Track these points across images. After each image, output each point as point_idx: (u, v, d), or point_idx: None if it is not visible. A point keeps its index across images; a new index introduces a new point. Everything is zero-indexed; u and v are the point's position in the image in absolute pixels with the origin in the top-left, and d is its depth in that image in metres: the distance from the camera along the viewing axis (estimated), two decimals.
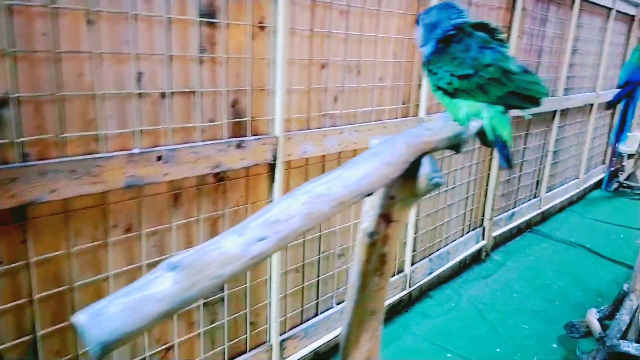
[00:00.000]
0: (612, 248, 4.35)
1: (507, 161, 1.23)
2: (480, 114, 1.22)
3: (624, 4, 5.33)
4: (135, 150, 1.59)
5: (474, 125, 1.23)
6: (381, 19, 2.43)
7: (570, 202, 5.56)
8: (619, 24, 5.48)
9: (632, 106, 2.22)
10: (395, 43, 2.54)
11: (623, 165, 6.72)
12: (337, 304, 2.58)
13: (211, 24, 1.74)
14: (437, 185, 1.16)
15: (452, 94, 1.23)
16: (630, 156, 6.44)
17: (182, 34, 1.67)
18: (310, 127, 2.20)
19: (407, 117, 2.73)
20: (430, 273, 3.26)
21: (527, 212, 4.53)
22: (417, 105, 2.77)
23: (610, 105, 2.35)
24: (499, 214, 4.11)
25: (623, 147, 6.40)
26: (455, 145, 1.24)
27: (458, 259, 3.57)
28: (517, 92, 1.19)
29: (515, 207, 4.36)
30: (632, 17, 5.73)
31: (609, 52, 5.35)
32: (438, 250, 3.37)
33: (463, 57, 1.19)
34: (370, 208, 1.26)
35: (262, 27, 1.90)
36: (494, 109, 1.22)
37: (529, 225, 4.72)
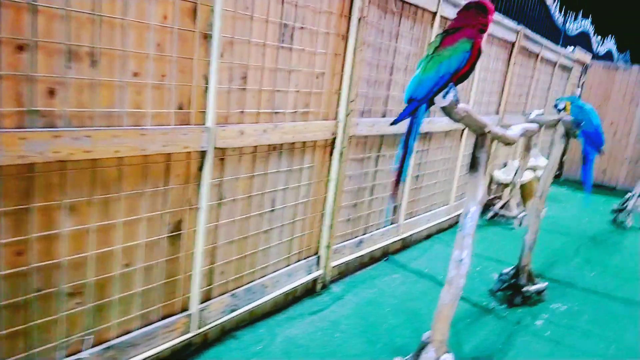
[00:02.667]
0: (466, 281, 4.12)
1: None
2: None
3: (502, 29, 5.25)
4: None
5: None
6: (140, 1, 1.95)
7: (440, 230, 5.36)
8: (494, 47, 5.40)
9: (414, 126, 1.90)
10: (161, 33, 2.06)
11: (501, 195, 6.70)
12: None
13: None
14: None
15: None
16: (505, 185, 6.41)
17: None
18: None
19: (187, 125, 2.25)
20: (233, 310, 2.79)
21: (381, 239, 4.21)
22: (203, 112, 2.30)
23: (394, 124, 2.00)
24: (343, 242, 3.74)
25: (500, 176, 6.37)
26: None
27: (280, 292, 3.13)
28: None
29: (365, 234, 4.01)
30: (513, 43, 5.69)
31: (483, 75, 5.24)
32: (249, 283, 2.91)
33: None
34: None
35: None
36: None
37: (386, 253, 4.41)
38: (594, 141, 3.41)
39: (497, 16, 5.04)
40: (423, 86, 1.88)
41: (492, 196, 6.59)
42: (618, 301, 4.06)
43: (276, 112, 2.76)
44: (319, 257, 3.47)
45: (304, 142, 3.05)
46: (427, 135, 4.47)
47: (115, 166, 1.99)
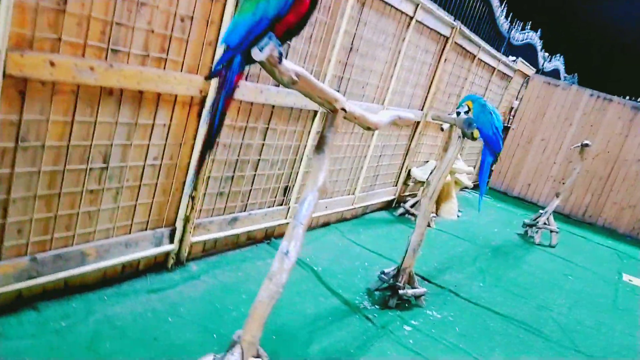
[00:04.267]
0: (344, 276, 3.83)
1: None
2: None
3: (435, 20, 4.95)
4: None
5: None
6: None
7: (341, 219, 5.06)
8: (423, 37, 5.09)
9: (226, 83, 1.51)
10: None
11: (416, 193, 6.50)
12: None
13: None
14: None
15: None
16: (421, 184, 6.21)
17: None
18: None
19: None
20: (32, 277, 2.33)
21: (263, 220, 3.84)
22: None
23: (209, 78, 1.61)
24: (211, 217, 3.33)
25: (417, 173, 6.15)
26: None
27: (110, 263, 2.69)
28: None
29: (243, 211, 3.63)
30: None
31: (408, 64, 4.94)
32: (61, 248, 2.45)
33: None
34: None
35: None
36: None
37: (270, 237, 4.05)
38: (490, 145, 3.15)
39: (429, 4, 4.73)
40: (237, 31, 1.48)
41: (407, 193, 6.37)
42: (498, 317, 3.89)
43: (114, 50, 2.29)
44: (173, 229, 3.05)
45: (159, 94, 2.60)
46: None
47: None
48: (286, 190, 4.02)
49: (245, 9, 1.48)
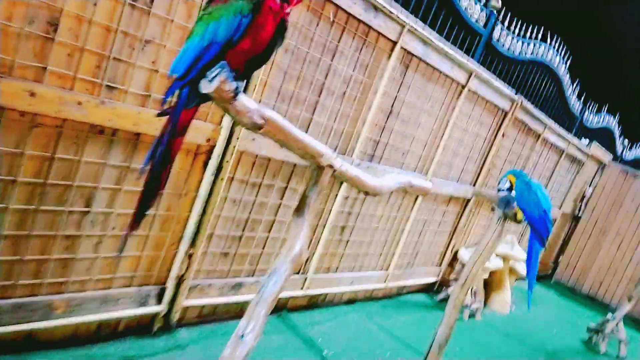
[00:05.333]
0: None
1: None
2: None
3: (492, 91, 4.59)
4: None
5: None
6: None
7: (370, 298, 4.56)
8: (477, 108, 4.72)
9: (171, 121, 1.23)
10: None
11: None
12: None
13: None
14: None
15: None
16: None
17: None
18: None
19: None
20: None
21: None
22: None
23: (160, 115, 1.34)
24: (210, 278, 3.01)
25: (465, 255, 5.56)
26: None
27: (81, 320, 2.41)
28: None
29: (251, 276, 3.28)
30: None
31: (459, 135, 4.55)
32: (23, 297, 2.21)
33: None
34: None
35: None
36: None
37: (282, 308, 3.65)
38: (537, 229, 2.65)
39: (486, 74, 4.40)
40: (184, 58, 1.22)
41: (453, 277, 5.75)
42: None
43: (110, 87, 2.13)
44: (163, 288, 2.75)
45: None
46: None
47: None
48: (306, 258, 3.64)
49: (195, 32, 1.23)
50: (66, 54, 1.97)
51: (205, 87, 1.18)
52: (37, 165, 2.04)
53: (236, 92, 1.21)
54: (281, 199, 3.21)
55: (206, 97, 1.22)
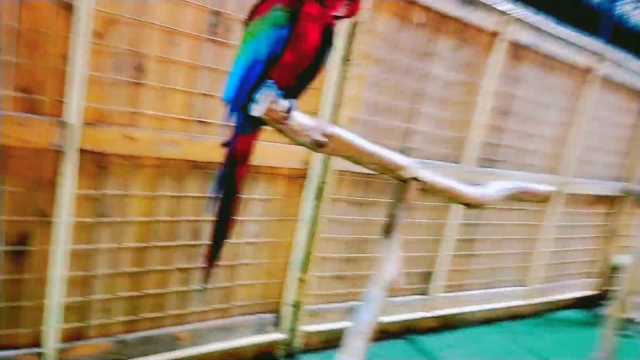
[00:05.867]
0: None
1: None
2: None
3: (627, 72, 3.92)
4: None
5: None
6: None
7: (510, 316, 4.10)
8: (611, 94, 4.05)
9: (230, 150, 1.14)
10: None
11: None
12: None
13: None
14: None
15: None
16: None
17: None
18: None
19: (31, 114, 1.83)
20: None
21: (398, 310, 3.27)
22: (61, 103, 1.86)
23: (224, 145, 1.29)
24: (327, 303, 2.94)
25: (626, 262, 4.75)
26: None
27: (205, 350, 2.48)
28: None
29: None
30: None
31: (595, 128, 3.95)
32: (150, 329, 2.34)
33: None
34: None
35: None
36: None
37: (410, 330, 3.44)
38: None
39: (617, 54, 3.77)
40: (231, 82, 1.15)
41: (612, 288, 4.95)
42: None
43: (202, 122, 2.20)
44: (280, 315, 2.74)
45: (258, 167, 2.43)
46: None
47: None
48: (428, 276, 3.40)
49: (239, 52, 1.16)
50: (155, 95, 2.07)
51: (255, 110, 1.11)
52: (143, 204, 2.17)
53: (288, 111, 1.12)
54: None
55: (261, 121, 1.14)
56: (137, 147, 2.03)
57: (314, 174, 2.57)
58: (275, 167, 2.48)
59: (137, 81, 2.01)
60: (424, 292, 3.41)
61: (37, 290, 1.99)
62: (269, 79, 1.10)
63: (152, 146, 2.06)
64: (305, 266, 2.71)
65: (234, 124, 1.21)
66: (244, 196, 2.39)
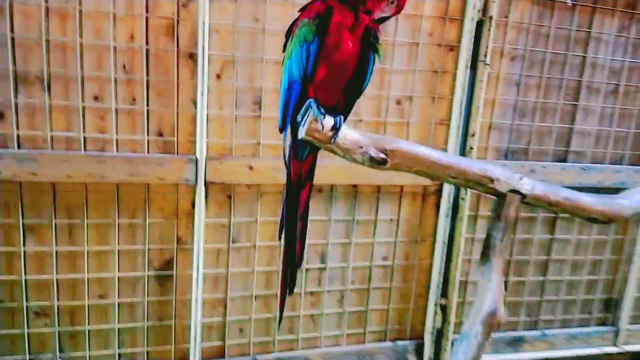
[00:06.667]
0: None
1: None
2: None
3: None
4: None
5: None
6: None
7: None
8: None
9: (288, 171, 1.06)
10: (128, 54, 1.94)
11: None
12: None
13: None
14: None
15: None
16: None
17: None
18: None
19: (168, 154, 2.04)
20: None
21: (570, 344, 2.78)
22: (192, 142, 2.05)
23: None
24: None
25: None
26: None
27: None
28: None
29: (533, 329, 2.73)
30: None
31: None
32: (287, 351, 2.39)
33: None
34: None
35: None
36: None
37: None
38: None
39: None
40: (280, 107, 1.09)
41: None
42: None
43: None
44: (420, 343, 2.56)
45: (378, 187, 2.33)
46: None
47: (75, 191, 1.98)
48: (609, 303, 2.82)
49: (283, 71, 1.11)
50: (274, 125, 2.14)
51: (300, 132, 1.05)
52: (268, 229, 2.25)
53: (336, 130, 1.03)
54: (551, 233, 2.61)
55: (312, 144, 1.08)
56: (256, 176, 2.12)
57: (447, 189, 2.37)
58: (402, 186, 2.36)
59: (254, 114, 2.11)
60: (604, 323, 2.84)
61: (181, 311, 2.20)
62: (310, 98, 1.03)
63: (270, 174, 2.13)
64: (444, 291, 2.49)
65: (291, 149, 1.17)
66: (367, 218, 2.32)
